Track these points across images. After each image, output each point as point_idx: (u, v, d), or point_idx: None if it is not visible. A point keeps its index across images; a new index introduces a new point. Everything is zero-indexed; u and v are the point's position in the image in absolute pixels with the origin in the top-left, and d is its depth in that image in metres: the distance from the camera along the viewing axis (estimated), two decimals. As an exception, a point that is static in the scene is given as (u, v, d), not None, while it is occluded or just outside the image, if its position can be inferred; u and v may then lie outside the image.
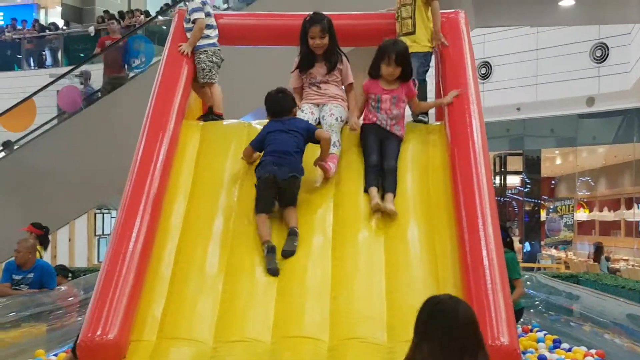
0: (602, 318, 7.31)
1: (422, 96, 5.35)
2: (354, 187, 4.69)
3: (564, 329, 7.70)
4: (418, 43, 5.25)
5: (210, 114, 5.39)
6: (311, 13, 5.13)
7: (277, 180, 4.44)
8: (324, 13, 5.13)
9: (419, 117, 5.26)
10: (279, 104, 4.80)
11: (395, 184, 4.56)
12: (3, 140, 13.72)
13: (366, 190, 4.58)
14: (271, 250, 4.30)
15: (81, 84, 13.67)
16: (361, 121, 5.07)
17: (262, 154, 4.68)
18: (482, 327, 3.57)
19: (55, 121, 12.86)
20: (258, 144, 4.72)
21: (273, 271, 4.25)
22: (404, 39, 5.26)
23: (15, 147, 12.52)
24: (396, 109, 4.73)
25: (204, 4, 5.40)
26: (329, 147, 4.67)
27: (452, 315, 2.65)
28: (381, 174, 4.63)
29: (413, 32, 5.26)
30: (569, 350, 6.67)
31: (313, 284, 4.19)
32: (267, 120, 4.89)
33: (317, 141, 4.66)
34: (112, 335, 3.64)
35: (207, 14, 5.41)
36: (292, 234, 4.36)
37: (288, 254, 4.31)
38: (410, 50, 5.23)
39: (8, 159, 11.93)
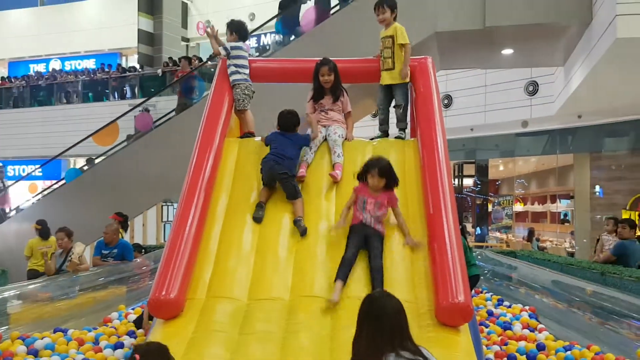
0: (533, 283, 7.27)
1: (404, 115, 5.32)
2: (350, 189, 4.56)
3: (506, 291, 7.66)
4: (397, 77, 5.23)
5: (246, 135, 5.37)
6: (321, 58, 5.13)
7: (274, 174, 4.53)
8: (331, 58, 5.14)
9: (398, 134, 5.26)
10: (287, 121, 4.85)
11: (382, 281, 3.88)
12: (93, 155, 13.72)
13: (335, 280, 3.89)
14: (259, 205, 4.50)
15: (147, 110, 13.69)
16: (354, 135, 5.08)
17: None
18: (444, 291, 3.58)
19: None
20: (267, 141, 4.83)
21: (257, 219, 4.44)
22: (386, 73, 5.27)
23: (104, 158, 12.53)
24: (379, 211, 4.10)
25: (231, 48, 5.36)
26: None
27: (382, 306, 2.61)
28: (370, 272, 3.96)
29: (393, 69, 5.23)
30: (509, 306, 6.63)
31: (320, 257, 4.17)
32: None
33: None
34: (174, 295, 3.65)
35: (234, 57, 5.35)
36: (297, 222, 4.39)
37: (303, 233, 4.33)
38: (393, 82, 5.25)
39: (99, 167, 11.94)
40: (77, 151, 13.64)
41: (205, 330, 3.52)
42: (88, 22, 27.94)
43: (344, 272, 3.91)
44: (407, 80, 5.24)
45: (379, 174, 4.10)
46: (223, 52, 5.37)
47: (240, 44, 5.45)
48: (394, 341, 2.54)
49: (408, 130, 5.44)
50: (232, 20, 5.56)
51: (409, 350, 2.55)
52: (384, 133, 5.41)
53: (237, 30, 5.48)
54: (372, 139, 5.34)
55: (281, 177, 4.52)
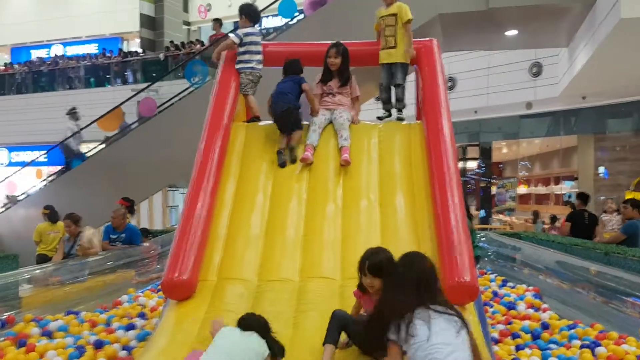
0: (537, 264, 7.33)
1: (403, 94, 5.36)
2: (357, 171, 4.70)
3: (510, 272, 7.72)
4: (399, 55, 5.27)
5: (252, 119, 5.42)
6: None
7: (278, 112, 4.84)
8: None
9: (399, 116, 5.32)
10: (290, 66, 5.12)
11: None
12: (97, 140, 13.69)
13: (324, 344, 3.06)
14: (279, 152, 4.78)
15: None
16: (360, 118, 5.15)
17: None
18: (451, 270, 3.65)
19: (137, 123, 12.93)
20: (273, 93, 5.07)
21: (282, 165, 4.73)
22: (388, 51, 5.30)
23: (109, 143, 12.58)
24: None
25: (244, 35, 5.38)
26: (312, 99, 5.04)
27: (411, 262, 2.82)
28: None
29: (394, 47, 5.27)
30: (513, 287, 6.71)
31: (328, 239, 4.23)
32: None
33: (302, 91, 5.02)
34: (186, 276, 3.73)
35: (246, 43, 5.36)
36: (291, 149, 4.78)
37: (292, 161, 4.70)
38: (394, 60, 5.29)
39: (105, 152, 12.00)
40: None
41: (217, 310, 3.60)
42: (89, 7, 27.83)
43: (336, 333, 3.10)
44: (409, 60, 5.28)
45: (371, 271, 3.07)
46: (237, 40, 5.35)
47: (251, 28, 5.46)
48: (423, 296, 2.68)
49: (412, 113, 5.48)
50: (242, 4, 5.59)
51: (439, 304, 2.68)
52: (389, 112, 5.45)
53: (247, 13, 5.48)
54: (379, 117, 5.41)
55: (285, 113, 4.80)
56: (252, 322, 3.04)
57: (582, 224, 9.04)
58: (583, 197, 9.44)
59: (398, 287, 2.75)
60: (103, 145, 12.66)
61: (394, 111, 5.47)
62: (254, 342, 2.96)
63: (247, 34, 5.38)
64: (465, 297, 3.59)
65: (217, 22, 13.41)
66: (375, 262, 3.06)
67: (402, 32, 5.24)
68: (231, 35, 5.46)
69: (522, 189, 19.71)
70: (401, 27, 5.23)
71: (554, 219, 13.62)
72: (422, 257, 2.84)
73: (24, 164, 17.09)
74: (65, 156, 12.47)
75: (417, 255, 2.87)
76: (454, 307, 2.73)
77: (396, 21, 5.24)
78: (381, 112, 5.51)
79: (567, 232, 8.96)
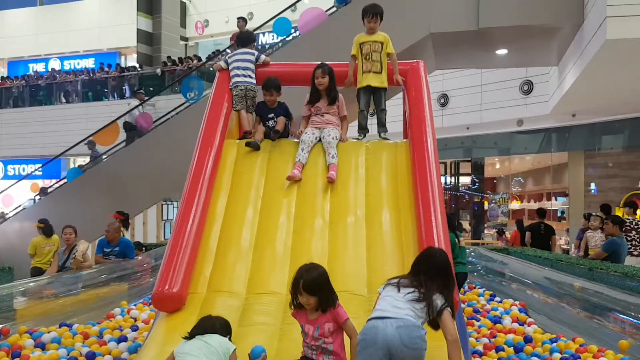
0: (525, 279, 7.45)
1: (385, 119, 5.52)
2: (344, 188, 4.81)
3: (498, 287, 7.84)
4: (384, 81, 5.44)
5: (244, 135, 5.56)
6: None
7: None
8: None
9: (382, 137, 5.46)
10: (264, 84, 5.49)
11: None
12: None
13: None
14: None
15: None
16: (348, 135, 5.31)
17: None
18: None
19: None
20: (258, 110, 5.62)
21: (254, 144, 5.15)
22: (373, 75, 5.43)
23: (105, 157, 12.71)
24: (321, 338, 3.11)
25: (228, 57, 5.76)
26: (294, 126, 5.52)
27: (428, 254, 3.24)
28: None
29: (380, 72, 5.43)
30: (501, 301, 6.81)
31: (315, 253, 4.31)
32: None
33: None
34: (176, 289, 3.83)
35: (232, 62, 5.67)
36: (275, 132, 5.24)
37: (274, 137, 5.22)
38: (380, 84, 5.43)
39: (100, 166, 12.11)
40: (78, 150, 13.82)
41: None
42: (87, 21, 28.09)
43: None
44: (398, 82, 5.46)
45: (306, 290, 3.09)
46: (223, 65, 5.72)
47: (240, 50, 5.78)
48: (417, 279, 3.07)
49: (400, 130, 5.63)
50: None
51: (418, 292, 3.01)
52: (364, 136, 5.57)
53: (236, 39, 6.13)
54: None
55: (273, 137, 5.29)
56: (210, 325, 3.19)
57: (538, 234, 10.27)
58: (540, 212, 10.68)
59: (412, 268, 3.21)
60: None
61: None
62: (215, 342, 3.09)
63: (231, 55, 5.76)
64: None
65: (243, 20, 13.53)
66: (309, 281, 3.09)
67: (385, 59, 5.42)
68: (221, 62, 5.78)
69: (514, 205, 19.83)
70: (385, 56, 5.41)
71: (500, 231, 15.92)
72: (442, 254, 3.25)
73: (19, 177, 17.17)
74: (125, 129, 13.06)
75: (439, 251, 3.32)
76: (431, 293, 3.01)
77: (382, 48, 5.40)
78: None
79: (517, 241, 10.31)
